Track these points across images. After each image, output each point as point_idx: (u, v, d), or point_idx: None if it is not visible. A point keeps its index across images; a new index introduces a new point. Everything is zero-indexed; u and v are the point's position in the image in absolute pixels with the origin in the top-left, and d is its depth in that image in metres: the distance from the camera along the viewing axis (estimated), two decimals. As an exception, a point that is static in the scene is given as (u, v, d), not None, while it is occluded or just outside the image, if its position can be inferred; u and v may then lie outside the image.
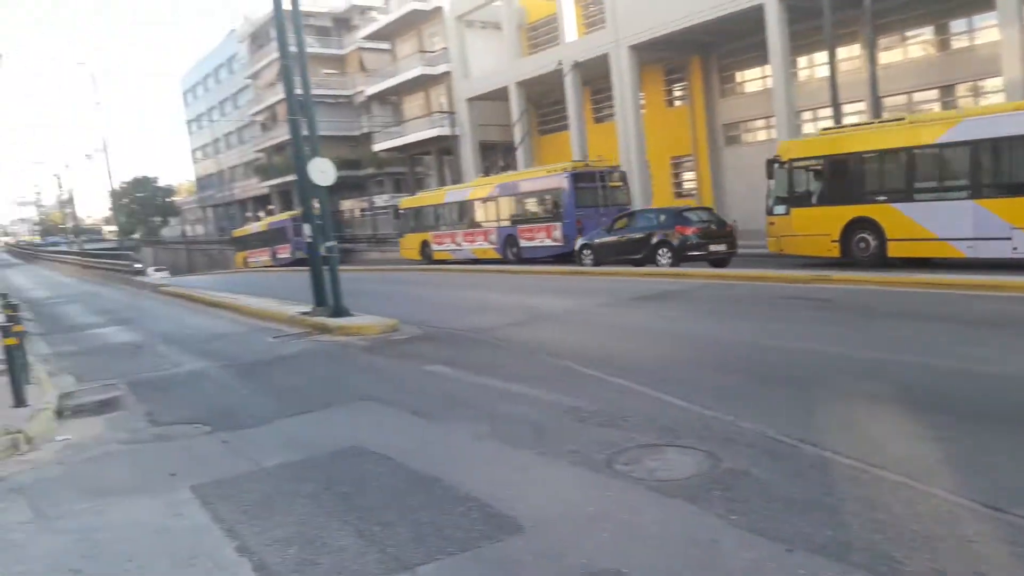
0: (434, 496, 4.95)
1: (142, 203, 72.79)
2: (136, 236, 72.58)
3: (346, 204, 56.03)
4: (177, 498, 5.27)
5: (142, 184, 73.90)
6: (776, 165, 18.06)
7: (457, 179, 40.40)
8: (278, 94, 59.05)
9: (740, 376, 7.67)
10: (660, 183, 33.80)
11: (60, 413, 8.07)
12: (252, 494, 5.24)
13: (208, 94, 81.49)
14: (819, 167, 17.35)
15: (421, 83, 45.72)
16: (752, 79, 30.96)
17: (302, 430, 6.91)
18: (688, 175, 34.35)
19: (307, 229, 14.22)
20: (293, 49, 14.34)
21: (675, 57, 32.41)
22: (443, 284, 20.95)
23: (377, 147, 49.25)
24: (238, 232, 53.30)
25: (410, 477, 5.35)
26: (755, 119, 30.90)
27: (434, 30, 45.16)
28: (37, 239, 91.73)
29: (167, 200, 77.21)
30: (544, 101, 39.23)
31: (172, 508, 5.09)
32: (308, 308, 14.44)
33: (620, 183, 25.51)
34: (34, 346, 12.97)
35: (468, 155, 40.02)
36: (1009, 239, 14.03)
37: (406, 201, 34.77)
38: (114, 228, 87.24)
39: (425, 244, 31.05)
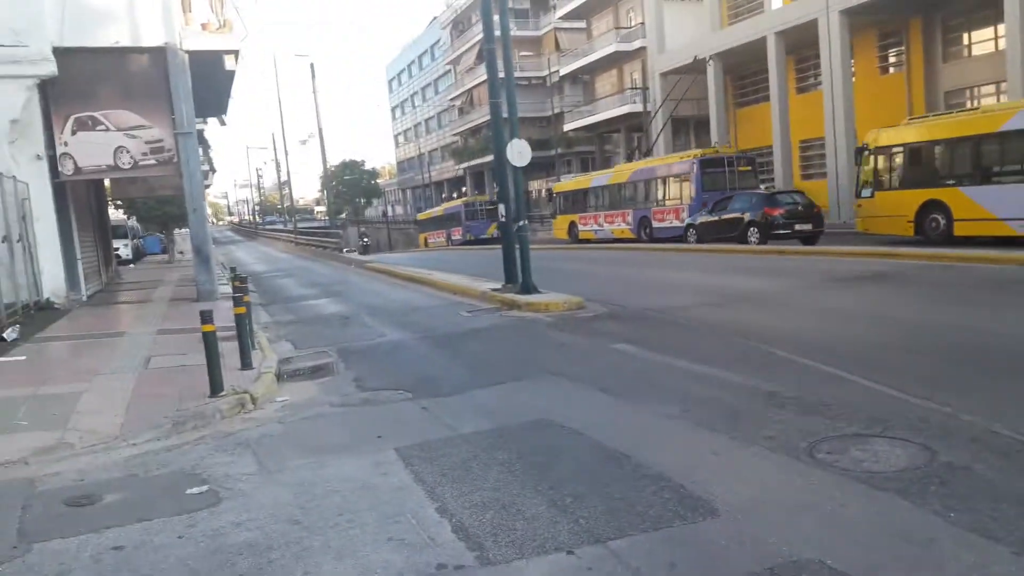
0: (625, 472, 4.93)
1: (349, 185, 77.93)
2: (342, 216, 77.87)
3: (534, 184, 56.95)
4: (383, 458, 5.62)
5: (350, 167, 79.06)
6: (864, 152, 19.93)
7: (649, 154, 39.81)
8: (476, 78, 61.09)
9: (957, 365, 7.03)
10: (869, 155, 31.43)
11: (279, 376, 8.84)
12: (450, 458, 5.48)
13: (411, 80, 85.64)
14: (899, 154, 19.09)
15: (615, 60, 45.47)
16: (982, 40, 27.93)
17: (494, 400, 7.13)
18: (901, 147, 31.66)
19: (501, 209, 14.62)
20: (497, 33, 14.74)
21: (892, 20, 29.90)
22: (622, 262, 20.78)
23: (568, 126, 49.57)
24: (421, 215, 57.04)
25: (600, 452, 5.36)
26: (984, 84, 27.90)
27: (631, 5, 44.68)
28: (257, 219, 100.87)
29: (372, 182, 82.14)
30: (743, 72, 37.66)
31: (378, 467, 5.43)
32: (498, 284, 14.86)
33: (748, 167, 26.82)
34: (256, 315, 14.30)
35: (659, 130, 39.25)
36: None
37: (558, 186, 37.64)
38: (323, 208, 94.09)
39: (572, 225, 33.43)
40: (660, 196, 28.34)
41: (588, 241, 31.57)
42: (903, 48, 30.65)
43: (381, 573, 3.80)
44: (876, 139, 19.78)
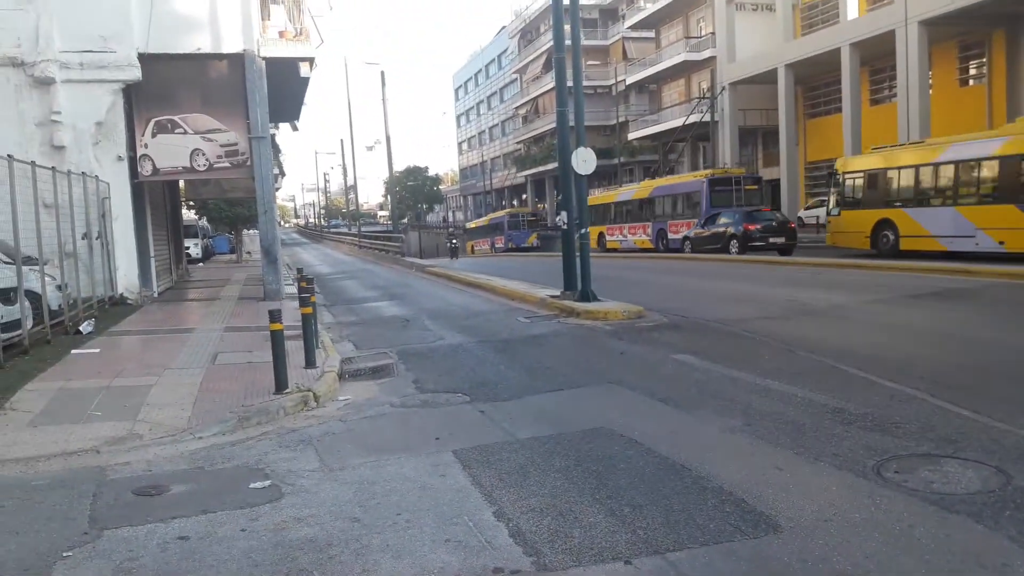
0: (685, 484, 4.86)
1: (412, 190, 78.94)
2: (404, 220, 78.95)
3: (594, 192, 56.80)
4: (441, 460, 5.66)
5: (413, 173, 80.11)
6: (834, 176, 22.97)
7: (712, 165, 39.39)
8: (542, 87, 61.38)
9: (1040, 388, 6.71)
10: (943, 170, 30.44)
11: (341, 376, 8.98)
12: (507, 463, 5.48)
13: (478, 89, 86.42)
14: (860, 178, 21.88)
15: (683, 69, 45.16)
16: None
17: (552, 407, 7.11)
18: (977, 162, 30.58)
19: (563, 216, 14.59)
20: (567, 42, 14.79)
21: (973, 32, 28.97)
22: (677, 272, 20.51)
23: (633, 135, 49.30)
24: (471, 224, 60.10)
25: (660, 463, 5.29)
26: (1069, 97, 26.80)
27: (702, 15, 44.33)
28: (322, 222, 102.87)
29: (434, 188, 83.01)
30: (814, 83, 36.92)
31: (437, 469, 5.47)
32: (556, 291, 14.84)
33: (755, 186, 29.79)
34: (319, 315, 14.57)
35: (726, 140, 38.81)
36: (973, 236, 18.00)
37: (591, 199, 39.22)
38: (386, 213, 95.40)
39: (601, 235, 35.86)
40: (675, 211, 31.26)
41: (615, 250, 34.52)
42: (985, 60, 29.63)
43: (438, 574, 3.82)
44: (844, 165, 22.90)
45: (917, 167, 20.01)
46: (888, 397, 6.63)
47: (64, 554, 4.25)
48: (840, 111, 32.12)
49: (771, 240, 24.08)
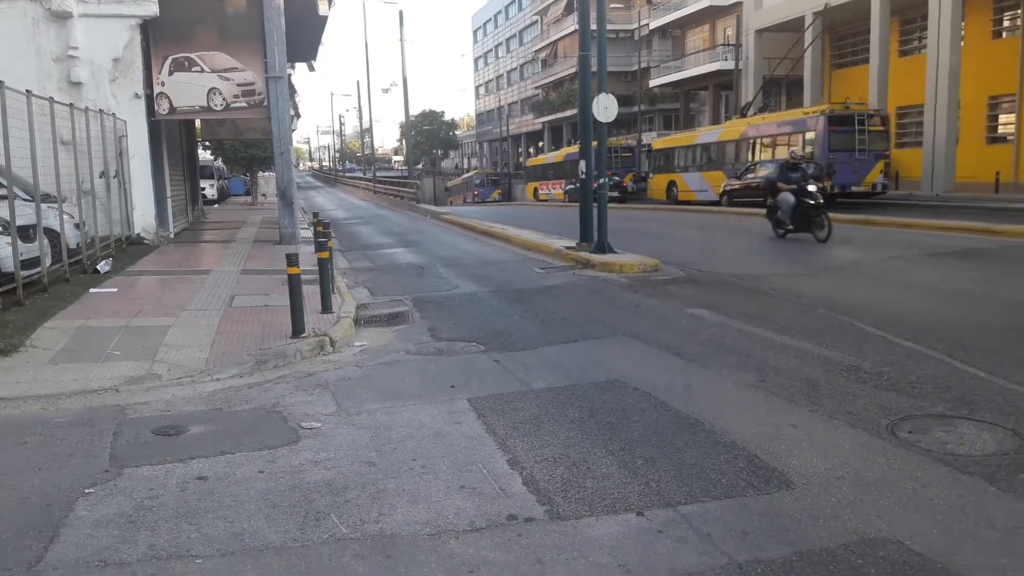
0: (698, 438, 4.88)
1: (427, 135, 78.23)
2: (419, 166, 78.50)
3: (612, 141, 56.08)
4: (456, 407, 5.70)
5: (429, 118, 79.27)
6: (651, 151, 35.65)
7: (734, 114, 38.77)
8: (563, 30, 60.22)
9: (1060, 351, 6.65)
10: (970, 124, 29.81)
11: (357, 322, 9.02)
12: (521, 412, 5.52)
13: (497, 31, 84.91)
14: (661, 153, 33.90)
15: (708, 14, 44.17)
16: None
17: (566, 358, 7.13)
18: (1006, 117, 29.91)
19: (582, 165, 14.45)
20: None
21: (1009, -19, 28.00)
22: (702, 226, 20.35)
23: (654, 82, 48.43)
24: (451, 183, 59.00)
25: (673, 417, 5.32)
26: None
27: (729, -41, 43.09)
28: (337, 166, 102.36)
29: (450, 133, 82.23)
30: (842, 32, 36.00)
31: (451, 416, 5.52)
32: (572, 243, 14.77)
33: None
34: (335, 261, 14.60)
35: (750, 90, 38.04)
36: (707, 191, 28.32)
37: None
38: (400, 158, 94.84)
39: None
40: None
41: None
42: (1020, 11, 28.71)
43: (452, 519, 3.88)
44: (654, 144, 35.91)
45: (685, 147, 32.36)
46: (904, 356, 6.60)
47: (86, 491, 4.34)
48: (867, 62, 31.32)
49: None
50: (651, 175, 35.26)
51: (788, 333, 7.60)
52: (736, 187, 25.54)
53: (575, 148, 48.65)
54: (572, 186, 35.35)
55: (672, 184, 32.43)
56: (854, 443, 4.73)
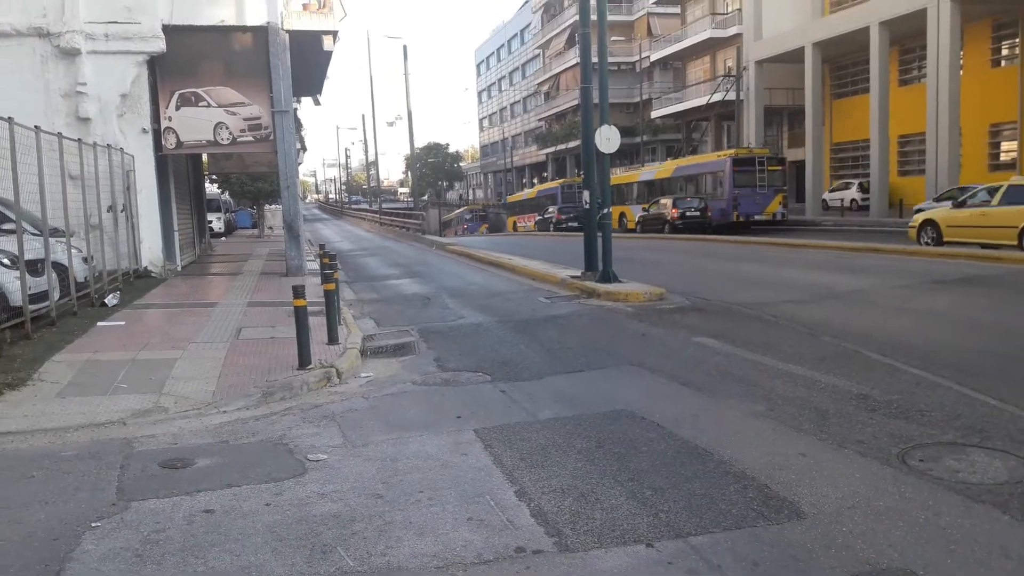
0: (707, 469, 4.85)
1: (433, 167, 78.77)
2: (424, 197, 78.94)
3: (616, 171, 56.53)
4: (462, 438, 5.68)
5: (434, 150, 79.89)
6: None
7: (735, 145, 39.05)
8: (565, 63, 60.92)
9: (1070, 378, 6.61)
10: (972, 152, 29.96)
11: (363, 353, 9.03)
12: (529, 443, 5.50)
13: (500, 64, 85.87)
14: (613, 188, 26.78)
15: (708, 46, 44.67)
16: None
17: (573, 388, 7.11)
18: (1008, 144, 30.06)
19: (586, 196, 14.52)
20: (593, 17, 14.61)
21: (1008, 10, 28.27)
22: (701, 253, 20.39)
23: (656, 113, 48.89)
24: (446, 217, 62.30)
25: (681, 447, 5.29)
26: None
27: (729, -8, 43.77)
28: (343, 198, 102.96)
29: (455, 165, 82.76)
30: (842, 62, 36.34)
31: (458, 447, 5.49)
32: (577, 272, 14.79)
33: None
34: (341, 292, 14.63)
35: (751, 120, 38.35)
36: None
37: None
38: (406, 189, 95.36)
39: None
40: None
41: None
42: (1018, 40, 28.99)
43: (460, 552, 3.85)
44: (510, 198, 44.63)
45: (631, 183, 37.93)
46: (913, 384, 6.57)
47: (93, 524, 4.32)
48: (868, 91, 31.57)
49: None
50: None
51: (795, 361, 7.58)
52: (647, 217, 32.16)
53: (546, 185, 54.68)
54: (541, 218, 43.44)
55: (622, 215, 36.49)
56: (865, 472, 4.70)
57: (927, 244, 17.51)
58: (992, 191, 16.72)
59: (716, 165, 30.64)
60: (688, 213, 29.36)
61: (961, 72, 28.08)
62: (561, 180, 50.26)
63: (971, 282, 12.38)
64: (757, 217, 29.25)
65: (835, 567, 3.55)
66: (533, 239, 35.05)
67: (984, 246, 16.18)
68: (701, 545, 3.83)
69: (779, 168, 30.06)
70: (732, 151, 31.22)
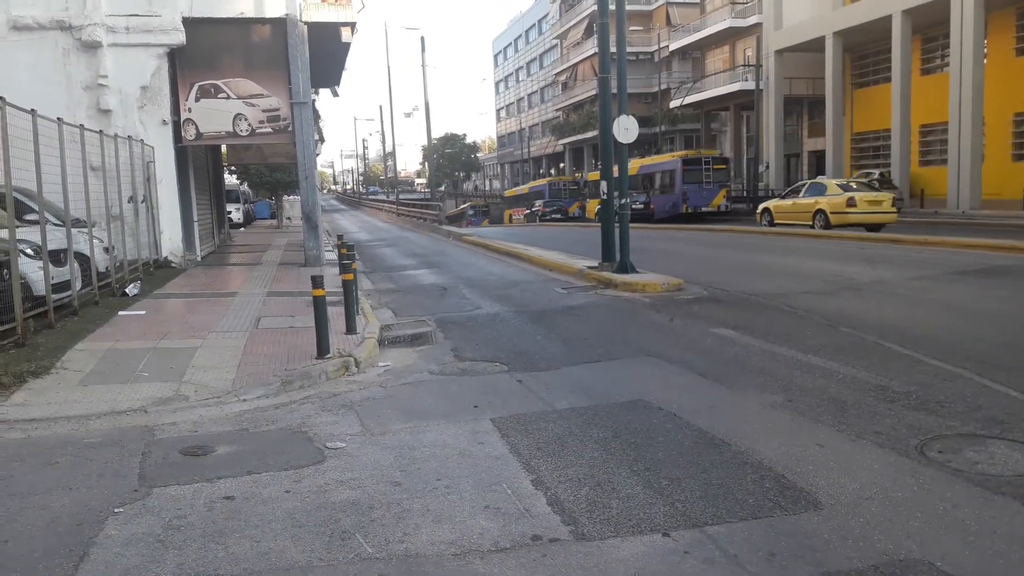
0: (724, 459, 4.85)
1: (449, 158, 78.79)
2: (442, 188, 79.03)
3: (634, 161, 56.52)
4: (479, 427, 5.71)
5: (451, 141, 79.88)
6: (585, 182, 43.53)
7: (755, 135, 38.79)
8: (582, 53, 60.69)
9: (1093, 370, 6.53)
10: (995, 141, 29.56)
11: (381, 342, 9.07)
12: (545, 432, 5.52)
13: (517, 55, 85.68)
14: (593, 183, 37.09)
15: (728, 36, 44.36)
16: None
17: (590, 378, 7.12)
18: (1034, 134, 29.64)
19: (603, 186, 14.49)
20: (611, 7, 14.55)
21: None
22: (709, 244, 20.28)
23: (674, 103, 48.64)
24: (450, 212, 63.45)
25: (699, 437, 5.29)
26: None
27: (750, -20, 43.40)
28: (361, 189, 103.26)
29: (472, 156, 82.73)
30: (863, 51, 35.93)
31: (475, 436, 5.52)
32: (594, 263, 14.77)
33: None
34: (360, 282, 14.69)
35: (771, 109, 38.05)
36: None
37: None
38: (423, 180, 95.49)
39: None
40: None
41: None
42: (1044, 27, 28.54)
43: (477, 540, 3.88)
44: (589, 176, 42.89)
45: (517, 194, 50.75)
46: (932, 375, 6.53)
47: (116, 510, 4.39)
48: (889, 80, 31.25)
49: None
50: (587, 200, 43.85)
51: (813, 352, 7.54)
52: (542, 210, 42.86)
53: (537, 182, 59.83)
54: (529, 211, 48.59)
55: (598, 208, 40.47)
56: (883, 463, 4.68)
57: (765, 225, 25.11)
58: (800, 187, 24.46)
59: (670, 164, 35.67)
60: (635, 206, 33.12)
61: (985, 61, 27.71)
62: (548, 178, 55.77)
63: (989, 273, 12.23)
64: (704, 209, 33.87)
65: (852, 557, 3.54)
66: (532, 229, 36.08)
67: (797, 225, 22.99)
68: (718, 535, 3.83)
69: (723, 167, 34.91)
70: (683, 152, 37.60)
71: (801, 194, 23.64)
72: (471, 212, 59.51)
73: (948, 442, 4.98)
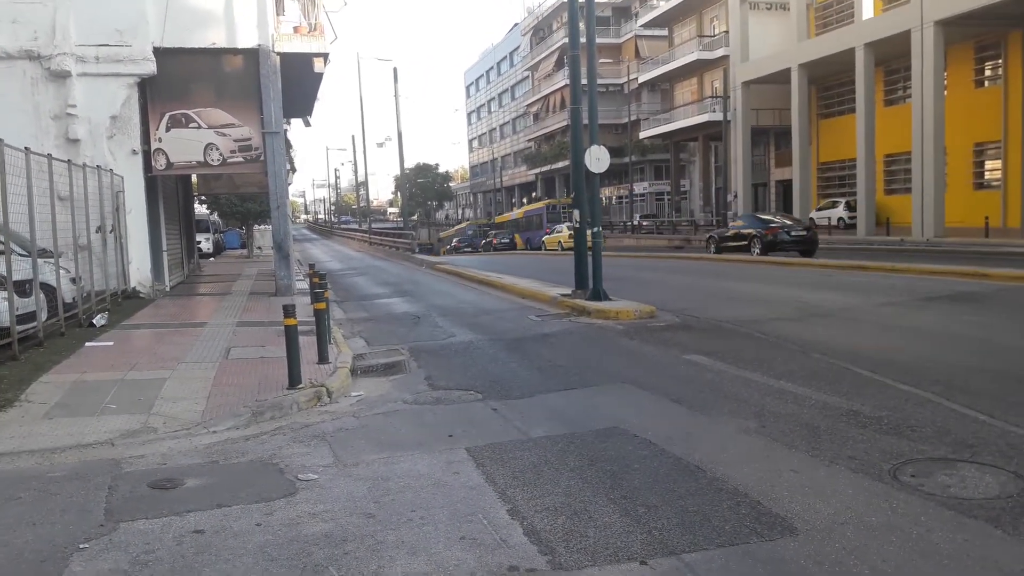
0: (700, 485, 4.85)
1: (422, 188, 78.94)
2: (414, 218, 79.02)
3: (605, 191, 57.02)
4: (454, 457, 5.66)
5: (424, 171, 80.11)
6: (517, 219, 54.96)
7: (723, 165, 39.34)
8: (553, 85, 61.42)
9: (1058, 393, 6.65)
10: (957, 170, 30.30)
11: (354, 372, 8.99)
12: (521, 461, 5.48)
13: (489, 86, 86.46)
14: (513, 221, 54.00)
15: (696, 68, 45.15)
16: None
17: (564, 406, 7.11)
18: (992, 164, 30.43)
19: (575, 215, 14.58)
20: (581, 40, 14.75)
21: (990, 32, 28.77)
22: (691, 272, 20.46)
23: (644, 134, 49.34)
24: (443, 234, 65.21)
25: (674, 464, 5.28)
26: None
27: (715, 14, 44.34)
28: (332, 218, 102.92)
29: (445, 185, 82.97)
30: (828, 83, 36.77)
31: (450, 466, 5.47)
32: (567, 290, 14.82)
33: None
34: (332, 311, 14.58)
35: (738, 140, 38.69)
36: (529, 242, 48.42)
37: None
38: (395, 210, 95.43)
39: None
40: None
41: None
42: (1000, 61, 29.44)
43: (453, 571, 3.82)
44: (499, 218, 59.14)
45: (518, 218, 52.19)
46: (903, 400, 6.60)
47: (81, 545, 4.27)
48: (854, 111, 31.97)
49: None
50: (514, 234, 53.41)
51: (785, 378, 7.60)
52: (493, 242, 52.13)
53: (534, 205, 62.30)
54: (502, 242, 54.00)
55: (515, 239, 51.89)
56: (856, 488, 4.71)
57: (556, 249, 38.10)
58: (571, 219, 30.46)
59: (540, 210, 48.88)
60: (502, 241, 51.17)
61: (945, 92, 28.48)
62: (547, 201, 56.82)
63: (956, 299, 12.45)
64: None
65: (829, 583, 3.54)
66: (507, 257, 37.47)
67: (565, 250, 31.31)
68: (695, 562, 3.82)
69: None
70: (547, 201, 52.63)
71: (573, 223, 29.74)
72: (470, 232, 62.12)
73: (920, 466, 5.02)
